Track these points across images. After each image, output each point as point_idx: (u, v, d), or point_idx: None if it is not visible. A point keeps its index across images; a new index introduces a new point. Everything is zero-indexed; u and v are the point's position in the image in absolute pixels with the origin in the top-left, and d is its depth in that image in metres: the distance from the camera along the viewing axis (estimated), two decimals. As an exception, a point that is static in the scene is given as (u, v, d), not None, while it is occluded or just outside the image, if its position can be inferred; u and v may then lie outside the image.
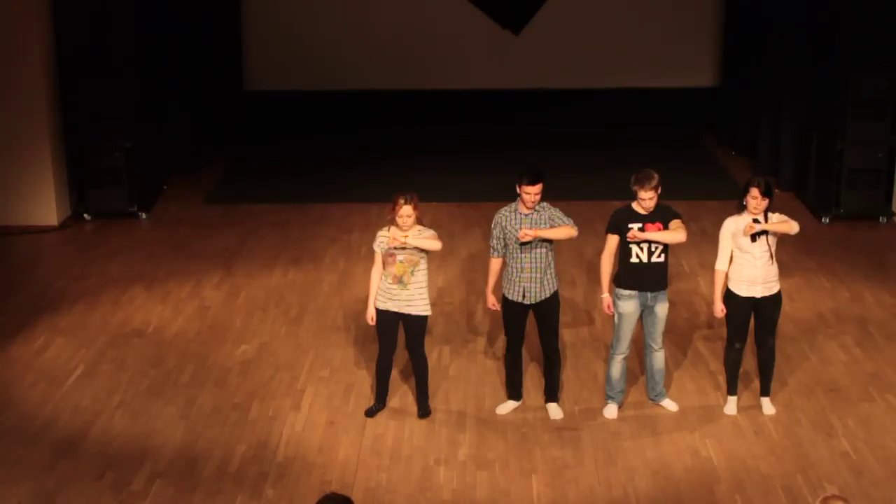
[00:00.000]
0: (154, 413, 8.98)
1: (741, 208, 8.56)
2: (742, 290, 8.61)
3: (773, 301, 8.68)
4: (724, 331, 9.02)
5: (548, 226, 8.54)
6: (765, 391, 8.96)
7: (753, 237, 8.49)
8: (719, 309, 8.75)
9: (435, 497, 7.88)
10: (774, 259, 8.59)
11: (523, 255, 8.60)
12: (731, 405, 8.95)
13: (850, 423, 8.75)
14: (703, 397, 9.18)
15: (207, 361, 9.85)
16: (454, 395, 9.27)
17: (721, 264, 8.69)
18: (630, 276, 8.63)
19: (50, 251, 12.67)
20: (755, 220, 8.45)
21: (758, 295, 8.61)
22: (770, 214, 8.53)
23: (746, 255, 8.55)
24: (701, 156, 15.97)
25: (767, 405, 8.92)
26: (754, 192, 8.42)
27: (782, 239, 8.77)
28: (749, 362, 9.25)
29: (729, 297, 8.69)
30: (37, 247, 12.74)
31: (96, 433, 8.68)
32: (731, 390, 8.98)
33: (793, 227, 8.56)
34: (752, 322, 8.79)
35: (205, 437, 8.63)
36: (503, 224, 8.65)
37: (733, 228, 8.57)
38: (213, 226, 13.31)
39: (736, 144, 15.86)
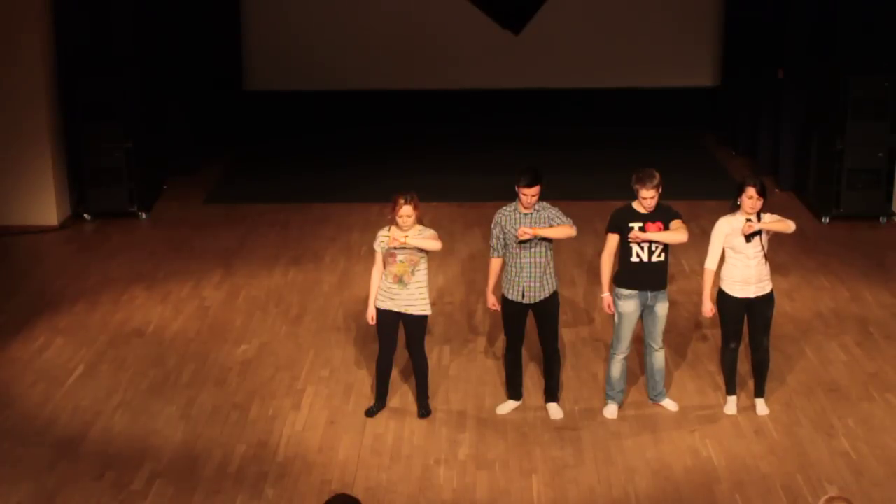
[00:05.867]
0: (154, 413, 8.98)
1: (734, 208, 8.53)
2: (736, 290, 8.59)
3: (766, 300, 8.66)
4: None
5: (547, 225, 8.54)
6: (759, 392, 8.94)
7: (749, 237, 8.47)
8: (708, 308, 8.73)
9: (435, 497, 7.88)
10: (767, 259, 8.58)
11: (522, 255, 8.59)
12: (730, 405, 8.94)
13: (850, 423, 8.74)
14: (703, 397, 9.18)
15: (207, 361, 9.85)
16: (454, 394, 9.26)
17: (711, 264, 8.65)
18: (630, 275, 8.63)
19: (50, 251, 12.66)
20: (749, 220, 8.43)
21: (751, 295, 8.59)
22: (762, 214, 8.51)
23: (740, 255, 8.52)
24: (701, 156, 15.97)
25: (761, 406, 8.90)
26: (751, 191, 8.39)
27: (782, 239, 8.77)
28: (746, 363, 9.23)
29: (722, 298, 8.67)
30: (37, 247, 12.74)
31: (96, 433, 8.68)
32: (731, 390, 8.97)
33: (789, 225, 8.54)
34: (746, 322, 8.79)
35: (205, 437, 8.63)
36: (503, 224, 8.64)
37: (727, 229, 8.54)
38: (213, 226, 13.30)
39: (736, 144, 15.86)
